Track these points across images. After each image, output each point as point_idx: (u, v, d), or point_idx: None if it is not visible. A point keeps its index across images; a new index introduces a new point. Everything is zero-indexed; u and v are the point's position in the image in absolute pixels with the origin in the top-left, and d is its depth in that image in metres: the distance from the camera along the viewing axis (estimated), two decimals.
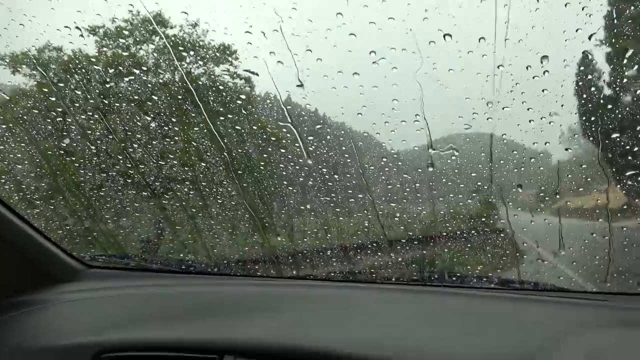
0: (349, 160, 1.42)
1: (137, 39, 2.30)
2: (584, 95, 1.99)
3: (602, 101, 1.96)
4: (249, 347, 0.77)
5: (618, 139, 1.85)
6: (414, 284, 1.15)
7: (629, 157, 1.84)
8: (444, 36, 1.20)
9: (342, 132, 1.44)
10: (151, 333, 0.85)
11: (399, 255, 1.26)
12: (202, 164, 1.30)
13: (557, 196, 1.92)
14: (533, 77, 1.30)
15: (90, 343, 0.86)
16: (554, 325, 0.81)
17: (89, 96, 1.74)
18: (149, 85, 1.86)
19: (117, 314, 1.00)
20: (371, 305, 1.00)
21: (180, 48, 2.15)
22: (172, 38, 2.30)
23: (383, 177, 1.44)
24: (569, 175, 1.70)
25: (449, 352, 0.74)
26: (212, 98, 1.64)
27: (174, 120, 1.51)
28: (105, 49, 2.25)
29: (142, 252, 1.42)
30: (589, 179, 1.85)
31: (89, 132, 1.64)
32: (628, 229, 1.80)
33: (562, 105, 1.54)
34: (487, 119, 1.29)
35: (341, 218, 1.32)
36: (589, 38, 1.40)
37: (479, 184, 1.81)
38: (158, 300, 1.03)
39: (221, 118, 1.45)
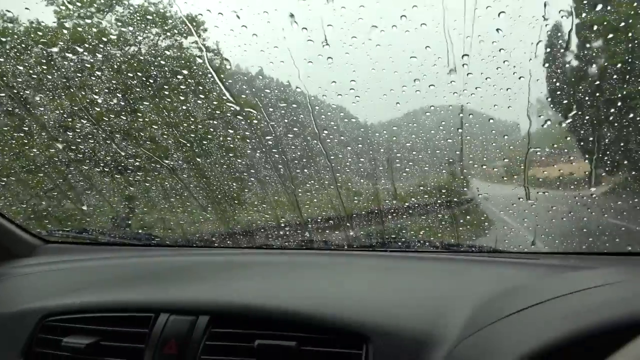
0: (312, 135, 1.38)
1: (99, 9, 2.16)
2: (550, 69, 2.01)
3: (567, 74, 1.98)
4: (185, 306, 0.78)
5: (582, 112, 1.88)
6: (364, 250, 1.20)
7: (593, 129, 1.88)
8: (412, 7, 1.17)
9: (309, 105, 1.40)
10: (93, 297, 0.88)
11: (357, 226, 1.28)
12: (161, 139, 1.25)
13: (523, 167, 1.95)
14: (499, 50, 1.29)
15: (36, 309, 0.87)
16: (475, 280, 0.89)
17: (42, 69, 1.64)
18: (111, 58, 1.76)
19: (64, 283, 1.02)
20: (315, 270, 1.05)
21: (141, 20, 2.03)
22: (136, 8, 2.17)
23: (352, 151, 1.42)
24: (536, 147, 1.73)
25: (378, 304, 0.78)
26: (176, 72, 1.57)
27: (133, 95, 1.44)
28: (64, 19, 2.11)
29: (104, 227, 1.39)
30: (553, 150, 1.89)
31: (45, 107, 1.55)
32: (586, 197, 1.85)
33: (529, 79, 1.53)
34: (454, 93, 1.28)
35: (301, 191, 1.31)
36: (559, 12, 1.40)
37: (447, 157, 1.82)
38: (106, 270, 1.05)
39: (183, 92, 1.39)
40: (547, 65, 2.04)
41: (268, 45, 1.19)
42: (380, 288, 0.89)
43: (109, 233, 1.27)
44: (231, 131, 1.22)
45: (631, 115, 1.90)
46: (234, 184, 1.19)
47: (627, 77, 1.91)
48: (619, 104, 1.90)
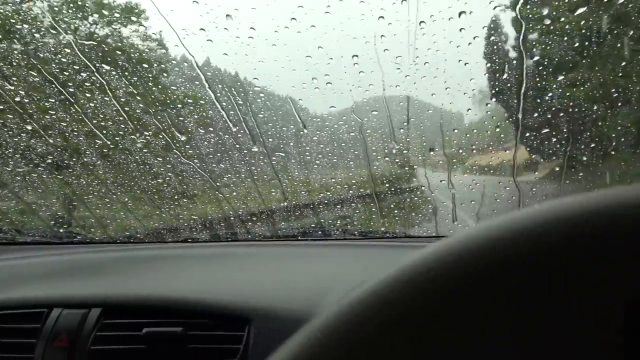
0: (265, 125, 1.36)
1: None
2: (493, 59, 2.08)
3: (507, 65, 2.05)
4: (77, 300, 0.79)
5: (523, 102, 1.96)
6: (281, 240, 1.22)
7: (531, 118, 1.96)
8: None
9: (262, 95, 1.38)
10: None
11: (284, 217, 1.30)
12: (102, 133, 1.22)
13: (468, 155, 2.02)
14: (450, 42, 1.32)
15: None
16: (371, 263, 0.93)
17: None
18: (47, 46, 1.70)
19: None
20: (221, 261, 1.06)
21: (82, 7, 1.95)
22: None
23: (303, 142, 1.42)
24: (480, 135, 1.79)
25: (264, 289, 0.82)
26: (120, 62, 1.53)
27: (77, 85, 1.39)
28: None
29: (47, 226, 1.36)
30: (497, 138, 1.96)
31: None
32: (529, 182, 1.94)
33: (469, 70, 1.58)
34: (403, 82, 1.31)
35: (243, 183, 1.31)
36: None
37: (396, 146, 1.86)
38: (6, 270, 1.03)
39: (131, 83, 1.35)
40: (486, 57, 2.11)
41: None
42: (274, 274, 0.92)
43: (27, 232, 1.24)
44: (158, 124, 1.20)
45: (565, 105, 1.99)
46: (154, 179, 1.19)
47: (559, 68, 2.00)
48: (551, 94, 1.99)
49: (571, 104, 1.99)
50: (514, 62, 2.06)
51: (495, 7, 1.69)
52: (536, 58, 2.09)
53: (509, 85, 2.02)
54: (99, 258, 1.09)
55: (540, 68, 2.07)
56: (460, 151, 2.07)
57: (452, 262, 0.21)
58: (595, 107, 1.93)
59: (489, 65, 2.12)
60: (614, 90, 1.88)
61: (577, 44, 1.95)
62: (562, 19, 1.95)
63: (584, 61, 1.95)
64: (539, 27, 2.13)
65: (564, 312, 0.21)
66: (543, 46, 2.10)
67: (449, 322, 0.21)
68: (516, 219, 0.21)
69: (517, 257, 0.20)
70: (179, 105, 1.18)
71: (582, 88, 2.02)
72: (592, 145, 1.77)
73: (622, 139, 1.85)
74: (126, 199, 1.21)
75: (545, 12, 2.12)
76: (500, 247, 0.20)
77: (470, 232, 0.22)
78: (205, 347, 0.72)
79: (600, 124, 1.89)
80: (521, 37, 2.09)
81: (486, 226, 0.22)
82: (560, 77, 2.08)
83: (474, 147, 2.07)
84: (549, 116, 2.00)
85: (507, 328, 0.21)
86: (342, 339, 0.21)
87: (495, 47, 2.16)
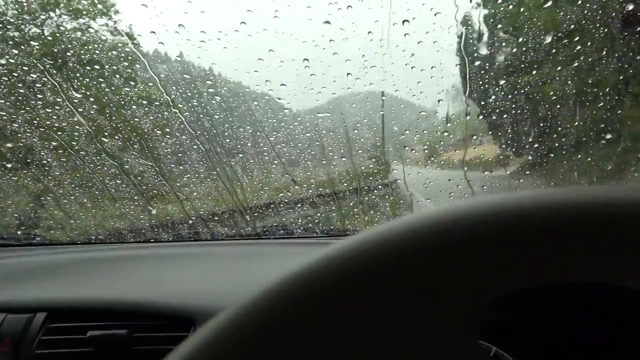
0: (221, 126, 1.35)
1: None
2: (465, 56, 2.10)
3: (479, 62, 2.07)
4: (23, 305, 0.80)
5: (495, 98, 1.99)
6: (244, 239, 1.23)
7: (502, 115, 1.99)
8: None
9: (217, 98, 1.36)
10: None
11: (253, 216, 1.31)
12: (57, 134, 1.19)
13: (443, 150, 2.05)
14: (418, 43, 1.33)
15: None
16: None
17: None
18: (7, 42, 1.65)
19: None
20: (178, 261, 1.06)
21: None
22: None
23: (260, 142, 1.42)
24: (454, 131, 1.82)
25: (211, 289, 0.83)
26: (72, 63, 1.50)
27: (28, 86, 1.35)
28: None
29: (3, 228, 1.34)
30: (470, 134, 1.98)
31: None
32: (502, 177, 1.98)
33: (442, 66, 1.60)
34: (354, 85, 1.31)
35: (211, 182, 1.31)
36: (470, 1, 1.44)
37: (370, 142, 1.87)
38: None
39: (98, 79, 1.32)
40: (458, 54, 2.13)
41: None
42: (227, 274, 0.93)
43: (11, 235, 1.22)
44: (114, 125, 1.18)
45: (535, 101, 2.02)
46: (112, 180, 1.18)
47: (528, 65, 2.03)
48: (523, 91, 2.02)
49: (540, 100, 2.02)
50: (484, 59, 2.08)
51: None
52: (505, 55, 2.13)
53: (480, 82, 2.04)
54: (52, 260, 1.09)
55: (510, 65, 2.10)
56: (436, 148, 2.10)
57: (340, 264, 0.22)
58: (563, 104, 1.96)
59: (459, 63, 2.15)
60: (581, 87, 1.91)
61: (545, 41, 1.98)
62: (531, 16, 1.98)
63: (552, 58, 1.98)
64: (508, 24, 2.16)
65: (434, 309, 0.22)
66: (512, 44, 2.13)
67: (333, 322, 0.22)
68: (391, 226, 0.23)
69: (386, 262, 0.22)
70: (134, 107, 1.17)
71: (550, 85, 2.05)
72: (562, 140, 1.82)
73: (589, 135, 1.89)
74: (85, 200, 1.21)
75: (514, 9, 2.14)
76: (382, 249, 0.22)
77: (361, 236, 0.23)
78: (150, 349, 0.74)
79: (568, 120, 1.93)
80: (490, 35, 2.13)
81: (374, 231, 0.23)
82: (530, 75, 2.11)
83: (450, 143, 2.10)
84: (520, 113, 2.04)
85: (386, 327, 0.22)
86: (235, 335, 0.22)
87: (465, 45, 2.17)
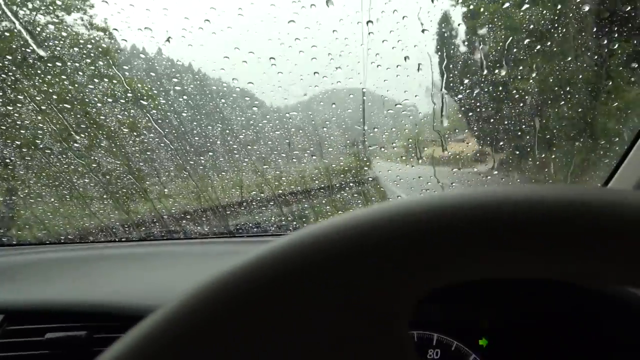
0: (190, 124, 1.31)
1: None
2: (443, 53, 2.11)
3: (457, 59, 2.09)
4: None
5: (472, 94, 2.01)
6: (217, 237, 1.22)
7: (480, 112, 2.01)
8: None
9: (184, 97, 1.32)
10: None
11: (232, 213, 1.30)
12: (20, 132, 1.16)
13: (422, 146, 2.07)
14: (398, 42, 1.33)
15: None
16: None
17: None
18: None
19: None
20: (144, 261, 1.06)
21: None
22: None
23: (230, 140, 1.40)
24: (434, 127, 1.83)
25: (172, 287, 0.82)
26: (63, 52, 1.46)
27: (16, 78, 1.32)
28: None
29: None
30: (450, 130, 2.00)
31: None
32: (481, 173, 2.00)
33: (428, 62, 1.61)
34: (321, 83, 1.31)
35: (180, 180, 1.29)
36: None
37: (343, 139, 1.87)
38: None
39: (60, 75, 1.29)
40: (439, 51, 2.14)
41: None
42: (194, 272, 0.93)
43: None
44: (79, 123, 1.16)
45: (512, 98, 2.05)
46: (80, 179, 1.16)
47: (506, 61, 2.05)
48: (501, 87, 2.05)
49: (517, 97, 2.05)
50: (463, 56, 2.10)
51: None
52: (484, 52, 2.14)
53: (458, 79, 2.06)
54: (16, 261, 1.07)
55: (488, 62, 2.12)
56: (417, 144, 2.12)
57: (268, 264, 0.23)
58: (540, 101, 1.99)
59: (438, 59, 2.16)
60: (557, 84, 1.94)
61: (523, 39, 2.01)
62: (508, 13, 2.00)
63: (529, 55, 2.00)
64: (486, 21, 2.18)
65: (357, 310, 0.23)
66: (490, 40, 2.15)
67: (260, 321, 0.22)
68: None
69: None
70: (99, 105, 1.15)
71: (527, 82, 2.08)
72: (538, 136, 1.85)
73: (564, 131, 1.93)
74: (52, 200, 1.19)
75: (492, 7, 2.16)
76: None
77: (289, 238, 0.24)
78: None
79: (544, 116, 1.96)
80: (469, 32, 2.14)
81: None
82: (506, 71, 2.13)
83: (431, 139, 2.12)
84: (497, 110, 2.06)
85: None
86: (163, 334, 0.22)
87: (444, 41, 2.19)
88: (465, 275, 0.22)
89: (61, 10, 1.32)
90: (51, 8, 1.45)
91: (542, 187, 0.22)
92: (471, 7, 2.21)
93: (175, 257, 1.06)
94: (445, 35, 2.17)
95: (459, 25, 2.21)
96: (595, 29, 1.61)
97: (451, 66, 2.09)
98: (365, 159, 2.08)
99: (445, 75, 2.12)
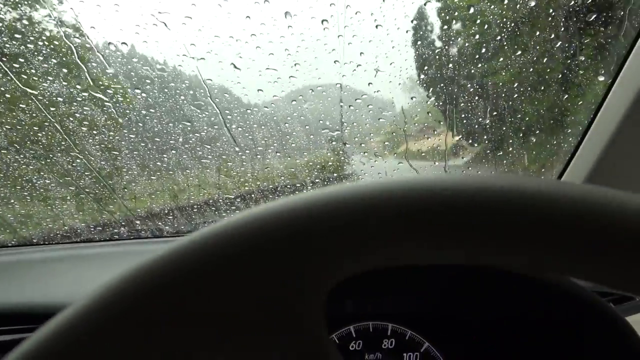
0: (150, 121, 1.28)
1: None
2: (420, 48, 2.12)
3: (433, 53, 2.10)
4: None
5: (449, 89, 2.03)
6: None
7: (457, 105, 2.03)
8: None
9: (144, 95, 1.29)
10: None
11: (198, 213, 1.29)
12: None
13: (400, 141, 2.08)
14: (378, 40, 1.33)
15: None
16: None
17: None
18: None
19: None
20: (126, 259, 1.05)
21: None
22: None
23: (192, 138, 1.37)
24: (412, 121, 1.85)
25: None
26: (30, 49, 1.41)
27: None
28: None
29: None
30: (427, 124, 2.02)
31: None
32: (458, 167, 2.03)
33: (405, 59, 1.63)
34: (279, 79, 1.30)
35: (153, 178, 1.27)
36: None
37: (328, 133, 1.88)
38: None
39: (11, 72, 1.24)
40: (415, 46, 2.15)
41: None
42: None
43: None
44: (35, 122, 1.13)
45: (487, 90, 2.07)
46: (40, 179, 1.14)
47: (481, 56, 2.07)
48: (476, 81, 2.07)
49: (493, 90, 2.07)
50: (440, 50, 2.12)
51: None
52: (460, 46, 2.16)
53: (436, 73, 2.08)
54: None
55: (465, 56, 2.14)
56: (395, 138, 2.14)
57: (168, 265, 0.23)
58: (515, 94, 2.02)
59: (416, 53, 2.17)
60: (532, 77, 1.97)
61: (498, 32, 2.03)
62: (485, 8, 2.01)
63: (505, 48, 2.02)
64: (463, 15, 2.19)
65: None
66: (467, 34, 2.16)
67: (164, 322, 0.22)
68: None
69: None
70: (52, 109, 1.13)
71: (503, 75, 2.10)
72: (513, 129, 1.87)
73: (538, 124, 1.96)
74: (12, 201, 1.16)
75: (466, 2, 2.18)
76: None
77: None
78: None
79: (519, 109, 1.99)
80: (445, 26, 2.16)
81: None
82: (483, 65, 2.16)
83: (408, 134, 2.14)
84: (474, 103, 2.09)
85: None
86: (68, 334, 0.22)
87: (421, 35, 2.20)
88: (361, 266, 0.23)
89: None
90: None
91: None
92: (446, 1, 2.23)
93: (139, 256, 1.05)
94: (420, 29, 2.18)
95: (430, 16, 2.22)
96: (567, 22, 1.63)
97: (426, 60, 2.11)
98: (341, 154, 2.08)
99: (420, 70, 2.13)
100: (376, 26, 1.45)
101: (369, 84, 1.75)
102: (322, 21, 1.01)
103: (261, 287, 0.22)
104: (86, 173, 1.15)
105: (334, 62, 1.16)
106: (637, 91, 0.74)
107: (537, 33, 1.92)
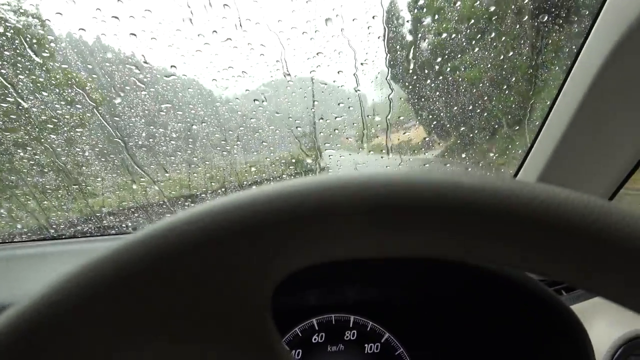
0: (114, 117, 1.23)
1: None
2: (390, 42, 2.13)
3: (404, 47, 2.12)
4: None
5: (418, 84, 2.05)
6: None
7: (428, 100, 2.06)
8: None
9: (161, 77, 1.23)
10: None
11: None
12: None
13: (370, 135, 2.10)
14: (345, 36, 1.33)
15: None
16: None
17: None
18: None
19: None
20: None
21: None
22: None
23: (156, 135, 1.33)
24: (383, 115, 1.87)
25: None
26: None
27: None
28: None
29: None
30: (399, 118, 2.04)
31: None
32: (428, 161, 2.06)
33: (375, 52, 1.64)
34: (310, 70, 1.29)
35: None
36: None
37: (299, 128, 1.87)
38: None
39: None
40: (386, 40, 2.16)
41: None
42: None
43: None
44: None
45: (457, 86, 2.11)
46: (8, 176, 1.08)
47: (451, 51, 2.11)
48: (446, 77, 2.10)
49: (462, 85, 2.11)
50: (410, 45, 2.14)
51: None
52: (430, 41, 2.19)
53: (406, 68, 2.10)
54: None
55: (434, 51, 2.17)
56: (367, 133, 2.15)
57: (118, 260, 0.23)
58: (483, 89, 2.06)
59: (386, 48, 2.18)
60: (499, 73, 2.02)
61: (466, 28, 2.06)
62: (452, 5, 2.04)
63: (473, 44, 2.06)
64: (433, 12, 2.21)
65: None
66: (436, 30, 2.19)
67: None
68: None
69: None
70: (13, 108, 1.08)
71: (471, 72, 2.15)
72: (481, 124, 1.91)
73: (506, 119, 2.01)
74: None
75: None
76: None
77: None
78: None
79: (487, 105, 2.04)
80: (416, 21, 2.18)
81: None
82: (452, 61, 2.19)
83: (381, 128, 2.16)
84: (444, 98, 2.12)
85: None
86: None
87: (392, 30, 2.21)
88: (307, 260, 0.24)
89: None
90: None
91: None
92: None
93: (90, 254, 1.01)
94: (392, 25, 2.19)
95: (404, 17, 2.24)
96: (533, 19, 1.67)
97: (397, 56, 2.13)
98: (314, 149, 2.09)
99: (391, 66, 2.15)
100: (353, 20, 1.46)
101: (338, 72, 1.76)
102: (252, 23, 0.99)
103: (207, 280, 0.23)
104: (50, 171, 1.11)
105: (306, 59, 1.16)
106: (586, 90, 0.78)
107: (506, 32, 1.97)
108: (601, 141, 0.83)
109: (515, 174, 1.01)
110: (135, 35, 0.97)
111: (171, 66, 1.15)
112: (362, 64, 1.76)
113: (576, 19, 1.15)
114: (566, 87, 0.86)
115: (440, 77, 2.17)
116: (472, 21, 1.96)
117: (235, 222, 0.22)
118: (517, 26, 1.59)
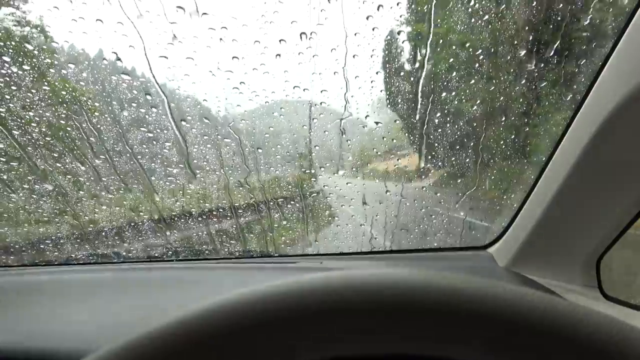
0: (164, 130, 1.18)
1: None
2: (388, 70, 2.15)
3: (402, 75, 2.14)
4: None
5: (414, 112, 2.06)
6: (162, 261, 1.12)
7: (425, 129, 2.06)
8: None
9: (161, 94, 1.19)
10: None
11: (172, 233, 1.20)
12: None
13: (367, 161, 2.08)
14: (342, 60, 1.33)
15: None
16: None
17: None
18: None
19: None
20: (93, 289, 0.96)
21: None
22: None
23: (207, 145, 1.28)
24: (380, 142, 1.86)
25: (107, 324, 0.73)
26: None
27: None
28: None
29: None
30: (394, 146, 2.03)
31: None
32: (424, 188, 2.04)
33: (372, 80, 1.64)
34: (304, 90, 1.28)
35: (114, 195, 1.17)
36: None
37: (297, 152, 1.85)
38: None
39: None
40: (385, 68, 2.18)
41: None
42: (127, 306, 0.82)
43: None
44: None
45: (455, 117, 2.13)
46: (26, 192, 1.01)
47: (446, 82, 2.13)
48: (444, 107, 2.12)
49: (460, 117, 2.13)
50: (409, 75, 2.16)
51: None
52: (429, 71, 2.21)
53: (405, 96, 2.11)
54: None
55: (433, 82, 2.19)
56: (361, 159, 2.13)
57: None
58: (479, 121, 2.08)
59: (386, 75, 2.20)
60: (495, 105, 2.04)
61: (467, 60, 2.09)
62: (451, 36, 2.08)
63: (469, 78, 2.09)
64: (430, 42, 2.25)
65: None
66: (436, 61, 2.22)
67: None
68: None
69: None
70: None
71: (469, 103, 2.17)
72: (477, 155, 1.91)
73: (501, 151, 2.02)
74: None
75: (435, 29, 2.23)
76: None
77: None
78: None
79: (482, 136, 2.04)
80: (414, 51, 2.21)
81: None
82: (450, 93, 2.22)
83: (375, 154, 2.14)
84: (441, 128, 2.13)
85: None
86: None
87: (392, 58, 2.24)
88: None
89: None
90: None
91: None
92: (415, 28, 2.30)
93: (109, 285, 0.93)
94: (390, 55, 2.22)
95: (403, 43, 2.28)
96: (528, 54, 1.70)
97: (394, 85, 2.15)
98: (311, 173, 2.06)
99: (389, 94, 2.16)
100: (353, 56, 1.47)
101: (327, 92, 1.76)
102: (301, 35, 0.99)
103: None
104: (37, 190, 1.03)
105: (303, 90, 1.16)
106: (594, 131, 0.75)
107: (502, 66, 2.00)
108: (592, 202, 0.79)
109: (522, 203, 0.96)
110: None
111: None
112: (352, 96, 1.75)
113: (583, 55, 1.16)
114: (573, 125, 0.83)
115: (443, 108, 2.18)
116: (474, 54, 1.99)
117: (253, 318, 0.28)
118: (524, 63, 1.61)
